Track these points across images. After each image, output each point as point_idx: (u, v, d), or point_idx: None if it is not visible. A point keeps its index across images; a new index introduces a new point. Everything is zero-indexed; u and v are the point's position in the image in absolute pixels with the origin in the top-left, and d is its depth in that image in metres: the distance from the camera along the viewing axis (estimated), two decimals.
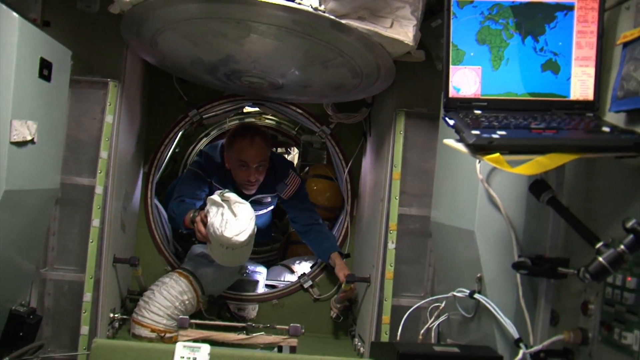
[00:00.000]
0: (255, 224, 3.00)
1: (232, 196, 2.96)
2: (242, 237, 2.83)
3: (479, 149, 1.51)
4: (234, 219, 2.89)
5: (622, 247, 1.43)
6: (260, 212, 3.83)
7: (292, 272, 3.87)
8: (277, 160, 3.77)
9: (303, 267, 3.86)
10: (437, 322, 2.52)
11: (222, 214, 2.89)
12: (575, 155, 1.52)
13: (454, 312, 2.44)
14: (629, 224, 1.41)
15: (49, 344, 2.64)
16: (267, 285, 3.72)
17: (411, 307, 2.58)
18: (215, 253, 3.00)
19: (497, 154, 1.48)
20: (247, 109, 4.24)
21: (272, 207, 3.96)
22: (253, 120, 4.38)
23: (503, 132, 1.55)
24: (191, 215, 3.13)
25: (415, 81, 2.85)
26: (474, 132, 1.54)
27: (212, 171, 3.54)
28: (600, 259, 1.45)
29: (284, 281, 3.76)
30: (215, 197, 2.96)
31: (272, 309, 3.47)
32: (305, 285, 3.45)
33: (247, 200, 3.25)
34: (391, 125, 2.86)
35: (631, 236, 1.42)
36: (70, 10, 2.70)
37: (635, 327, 1.49)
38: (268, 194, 3.70)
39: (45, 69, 2.22)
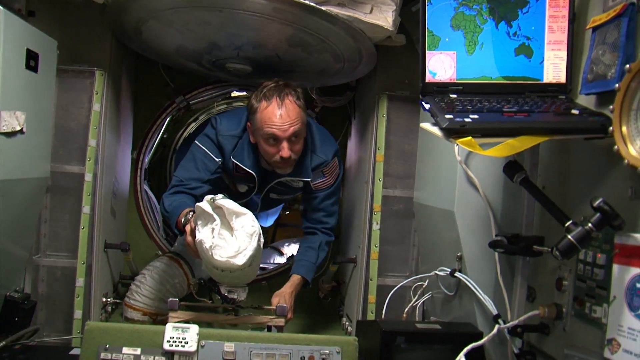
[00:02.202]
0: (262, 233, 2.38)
1: (227, 204, 2.27)
2: (240, 260, 2.19)
3: (452, 132, 1.56)
4: (229, 235, 2.26)
5: (589, 225, 1.48)
6: (284, 197, 3.36)
7: (282, 254, 3.92)
8: (319, 135, 2.95)
9: (292, 249, 3.91)
10: (421, 301, 2.59)
11: (213, 229, 2.24)
12: (545, 138, 1.58)
13: (437, 291, 2.51)
14: (596, 203, 1.47)
15: (43, 328, 2.69)
16: None
17: (396, 286, 2.66)
18: (211, 272, 2.38)
19: (469, 138, 1.53)
20: (235, 93, 4.26)
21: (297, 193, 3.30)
22: (277, 83, 2.78)
23: (475, 116, 1.60)
24: (185, 215, 2.54)
25: (397, 65, 2.90)
26: (448, 116, 1.59)
27: (228, 146, 2.84)
28: (569, 236, 1.51)
29: (273, 263, 3.81)
30: (204, 205, 2.28)
31: (262, 291, 3.53)
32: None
33: (273, 182, 2.93)
34: (374, 108, 2.91)
35: (598, 214, 1.47)
36: (55, 0, 2.72)
37: (604, 301, 1.55)
38: (301, 177, 2.95)
39: (31, 60, 2.25)
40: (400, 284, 2.64)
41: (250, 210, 2.57)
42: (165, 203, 2.75)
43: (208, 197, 2.32)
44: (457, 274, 2.24)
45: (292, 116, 2.61)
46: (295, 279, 2.94)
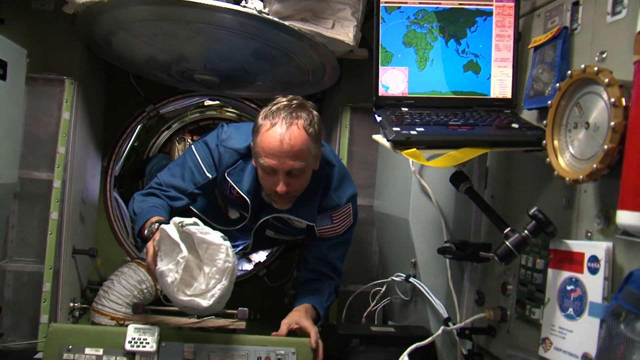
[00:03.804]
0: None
1: (199, 231, 1.97)
2: (207, 302, 1.93)
3: (399, 144, 1.66)
4: (196, 269, 1.97)
5: (525, 232, 1.59)
6: (282, 237, 2.86)
7: (250, 261, 3.98)
8: (340, 174, 2.54)
9: (259, 256, 3.96)
10: (380, 306, 2.68)
11: (178, 262, 1.92)
12: (485, 150, 1.69)
13: (394, 296, 2.60)
14: (531, 211, 1.57)
15: (8, 333, 2.70)
16: None
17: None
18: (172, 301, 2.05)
19: (414, 149, 1.63)
20: (208, 102, 4.28)
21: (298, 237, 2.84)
22: (291, 102, 2.30)
23: (422, 129, 1.70)
24: (150, 226, 2.27)
25: (361, 77, 2.97)
26: (395, 128, 1.69)
27: (227, 161, 2.47)
28: (507, 242, 1.61)
29: (241, 269, 3.86)
30: (170, 230, 1.97)
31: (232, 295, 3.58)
32: (261, 274, 3.56)
33: (270, 215, 2.51)
34: (338, 119, 3.00)
35: (533, 222, 1.58)
36: (25, 9, 2.76)
37: (541, 303, 1.65)
38: (303, 219, 2.52)
39: (0, 69, 2.30)
40: (359, 290, 2.72)
41: (241, 245, 2.55)
42: (135, 203, 2.50)
43: (176, 219, 2.02)
44: (411, 280, 2.33)
45: (295, 147, 2.18)
46: (307, 306, 2.48)
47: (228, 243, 1.99)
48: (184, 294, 1.93)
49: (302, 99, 2.31)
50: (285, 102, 2.25)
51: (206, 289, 1.93)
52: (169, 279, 1.93)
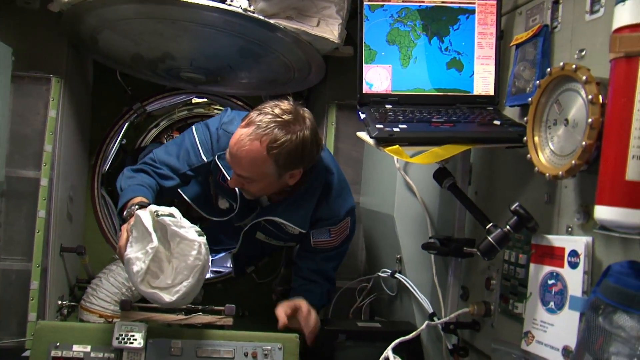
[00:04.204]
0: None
1: (174, 222, 1.91)
2: (170, 297, 1.88)
3: (381, 141, 1.68)
4: (165, 261, 1.91)
5: (507, 227, 1.61)
6: (273, 243, 2.68)
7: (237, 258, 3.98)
8: (339, 186, 2.45)
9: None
10: (367, 301, 2.70)
11: (147, 252, 1.87)
12: (467, 146, 1.71)
13: (381, 292, 2.62)
14: (513, 207, 1.60)
15: None
16: (212, 271, 3.83)
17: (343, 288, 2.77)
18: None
19: (397, 146, 1.65)
20: (196, 100, 4.29)
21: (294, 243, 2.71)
22: (275, 117, 2.10)
23: (404, 126, 1.72)
24: (131, 206, 2.12)
25: (346, 74, 2.95)
26: (378, 125, 1.71)
27: (223, 144, 2.33)
28: (489, 237, 1.64)
29: (228, 267, 3.87)
30: (144, 217, 1.92)
31: (217, 294, 3.59)
32: (249, 270, 3.58)
33: (262, 217, 2.41)
34: (324, 116, 3.01)
35: (515, 217, 1.60)
36: (10, 7, 2.75)
37: (524, 297, 1.67)
38: (293, 224, 2.40)
39: None
40: (345, 286, 2.74)
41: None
42: (123, 178, 2.38)
43: (153, 207, 1.96)
44: (397, 275, 2.36)
45: (242, 160, 2.09)
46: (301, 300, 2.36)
47: (203, 240, 1.92)
48: (148, 285, 1.88)
49: (301, 115, 2.15)
50: (269, 114, 2.09)
51: (172, 283, 1.87)
52: (135, 268, 1.87)
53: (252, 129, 2.05)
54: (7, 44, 2.52)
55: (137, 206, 2.10)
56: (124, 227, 2.03)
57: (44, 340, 1.94)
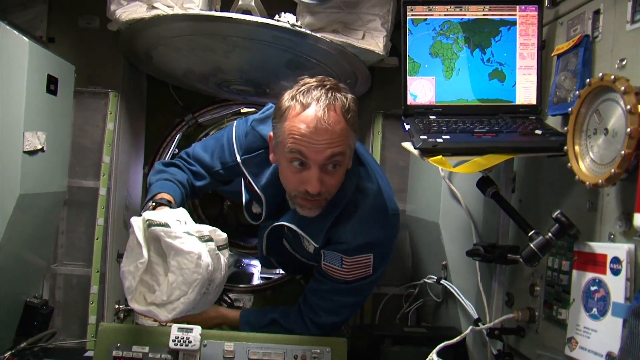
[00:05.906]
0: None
1: (167, 235, 1.69)
2: (166, 315, 1.72)
3: (425, 151, 1.73)
4: (162, 276, 1.72)
5: (549, 234, 1.64)
6: (296, 255, 2.35)
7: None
8: (374, 198, 2.06)
9: None
10: (413, 307, 2.74)
11: (137, 266, 1.69)
12: (509, 156, 1.74)
13: (427, 298, 2.66)
14: (554, 214, 1.63)
15: (60, 333, 2.83)
16: (262, 278, 3.91)
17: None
18: None
19: (440, 156, 1.70)
20: (245, 110, 4.35)
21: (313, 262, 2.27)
22: (323, 83, 1.92)
23: (447, 137, 1.77)
24: (146, 203, 2.00)
25: (392, 84, 3.00)
26: (422, 136, 1.76)
27: (249, 147, 2.13)
28: (532, 245, 1.67)
29: (277, 273, 3.94)
30: (137, 226, 1.72)
31: (267, 300, 3.67)
32: (297, 277, 3.64)
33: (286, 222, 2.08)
34: (370, 126, 3.07)
35: (557, 225, 1.63)
36: (72, 27, 2.92)
37: (567, 304, 1.69)
38: (312, 237, 2.06)
39: (52, 85, 2.44)
40: (392, 293, 2.79)
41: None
42: (152, 173, 2.23)
43: (146, 215, 1.74)
44: (442, 282, 2.39)
45: (334, 132, 1.79)
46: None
47: (202, 250, 1.70)
48: (143, 301, 1.72)
49: (335, 81, 1.93)
50: (315, 83, 1.87)
51: (167, 300, 1.69)
52: (126, 284, 1.71)
53: (320, 104, 1.80)
54: (69, 62, 2.66)
55: (153, 203, 1.94)
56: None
57: (106, 341, 2.04)
